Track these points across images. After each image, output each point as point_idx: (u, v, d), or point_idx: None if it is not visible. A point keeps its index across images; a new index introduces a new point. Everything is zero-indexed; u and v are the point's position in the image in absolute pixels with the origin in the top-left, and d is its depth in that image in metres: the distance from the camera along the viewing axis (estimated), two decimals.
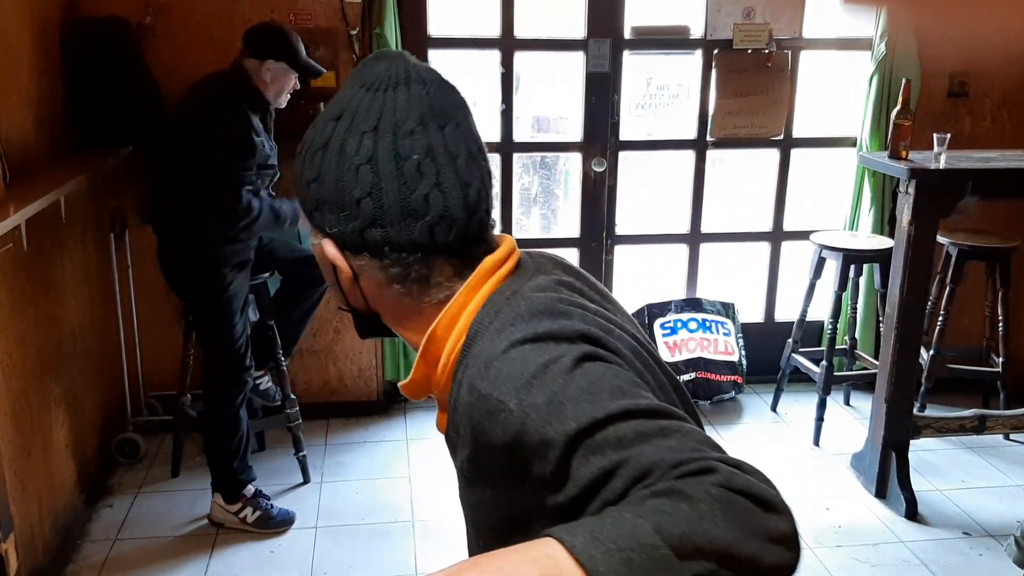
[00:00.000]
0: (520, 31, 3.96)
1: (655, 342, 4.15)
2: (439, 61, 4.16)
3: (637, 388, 0.89)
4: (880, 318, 3.94)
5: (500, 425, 0.89)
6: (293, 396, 3.56)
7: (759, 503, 0.76)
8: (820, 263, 3.96)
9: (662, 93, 5.29)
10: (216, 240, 3.05)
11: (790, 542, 0.77)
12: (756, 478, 0.80)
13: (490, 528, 1.04)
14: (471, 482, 1.03)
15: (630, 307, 3.73)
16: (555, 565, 0.72)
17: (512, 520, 0.98)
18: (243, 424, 3.28)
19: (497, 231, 1.08)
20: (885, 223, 4.13)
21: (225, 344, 3.16)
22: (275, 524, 3.26)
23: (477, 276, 1.01)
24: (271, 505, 3.30)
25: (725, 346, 4.27)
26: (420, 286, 1.01)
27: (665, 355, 4.15)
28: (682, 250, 4.41)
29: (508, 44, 3.96)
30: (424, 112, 0.98)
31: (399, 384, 1.10)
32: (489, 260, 1.02)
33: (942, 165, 3.27)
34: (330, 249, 1.02)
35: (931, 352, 3.96)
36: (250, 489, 3.28)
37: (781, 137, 4.24)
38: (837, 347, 4.06)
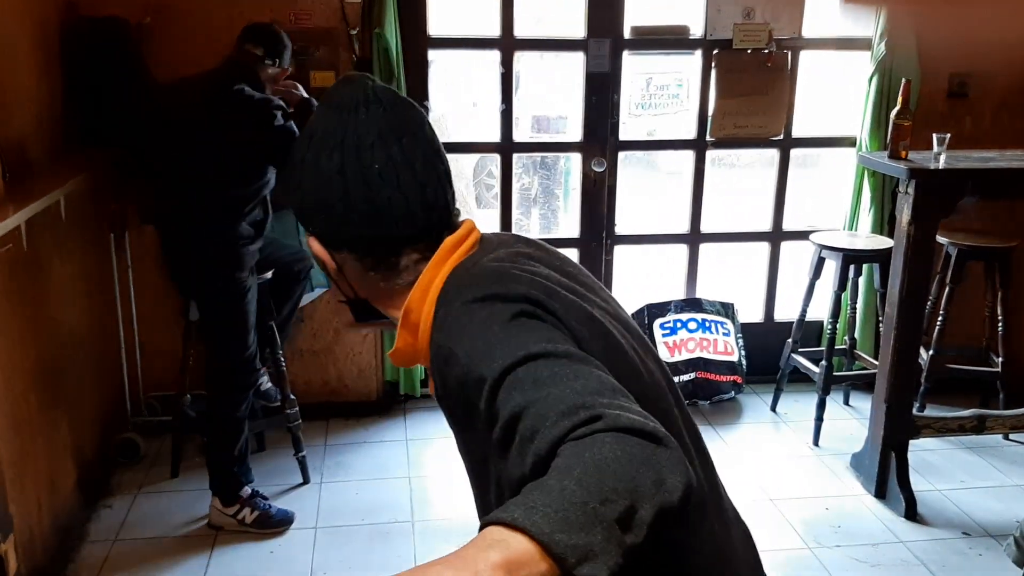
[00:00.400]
0: (520, 31, 3.97)
1: (655, 342, 4.15)
2: (439, 61, 4.17)
3: (561, 339, 1.02)
4: (880, 318, 3.94)
5: (452, 370, 1.04)
6: (293, 396, 3.57)
7: (645, 437, 0.87)
8: (820, 263, 3.96)
9: (662, 93, 5.30)
10: (237, 241, 3.06)
11: (678, 464, 0.87)
12: (637, 415, 0.90)
13: (472, 475, 1.20)
14: (455, 433, 1.18)
15: (630, 307, 3.74)
16: (506, 544, 0.78)
17: (479, 464, 1.14)
18: (246, 427, 3.29)
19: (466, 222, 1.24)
20: (885, 223, 4.13)
21: (238, 347, 3.16)
22: (274, 524, 3.26)
23: (440, 254, 1.17)
24: (269, 505, 3.30)
25: (725, 346, 4.27)
26: (392, 272, 1.19)
27: (665, 355, 4.15)
28: (682, 250, 4.42)
29: (508, 44, 3.96)
30: (382, 128, 1.15)
31: (388, 354, 1.28)
32: (449, 240, 1.18)
33: (942, 165, 3.27)
34: (316, 246, 1.21)
35: (931, 352, 3.96)
36: (247, 490, 3.27)
37: (781, 137, 4.24)
38: (837, 347, 4.07)
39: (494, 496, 1.13)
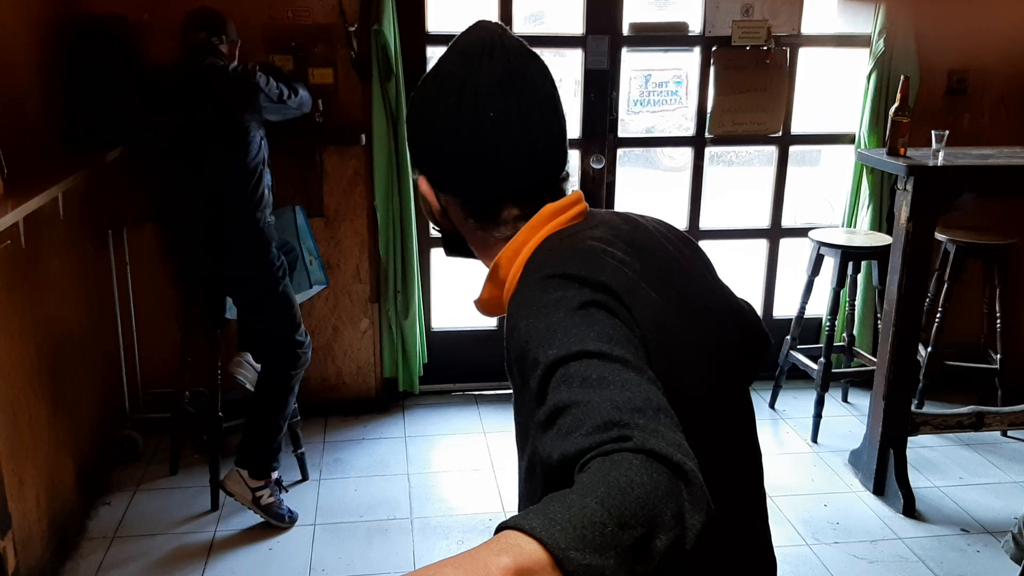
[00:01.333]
0: (518, 28, 3.96)
1: None
2: (437, 57, 4.16)
3: (623, 340, 1.00)
4: (878, 315, 3.94)
5: (514, 339, 1.06)
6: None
7: (671, 468, 0.86)
8: (818, 260, 3.96)
9: (661, 90, 5.30)
10: (260, 221, 3.17)
11: (700, 503, 0.86)
12: (670, 442, 0.88)
13: (517, 433, 1.19)
14: (513, 395, 1.18)
15: None
16: (520, 550, 0.78)
17: (523, 428, 1.15)
18: (293, 402, 3.36)
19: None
20: (883, 220, 4.13)
21: (289, 323, 3.25)
22: (281, 516, 3.28)
23: (539, 218, 1.17)
24: (283, 499, 3.33)
25: None
26: (491, 223, 1.19)
27: None
28: None
29: None
30: (503, 78, 1.14)
31: (473, 302, 1.26)
32: (550, 206, 1.17)
33: (940, 162, 3.27)
34: (423, 186, 1.22)
35: (929, 349, 3.96)
36: (276, 474, 3.31)
37: (779, 134, 4.24)
38: (835, 344, 4.07)
39: (525, 462, 1.15)
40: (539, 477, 1.10)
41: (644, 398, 0.92)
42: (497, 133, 1.13)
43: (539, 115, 1.16)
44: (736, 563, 1.21)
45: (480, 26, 1.20)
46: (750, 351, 1.25)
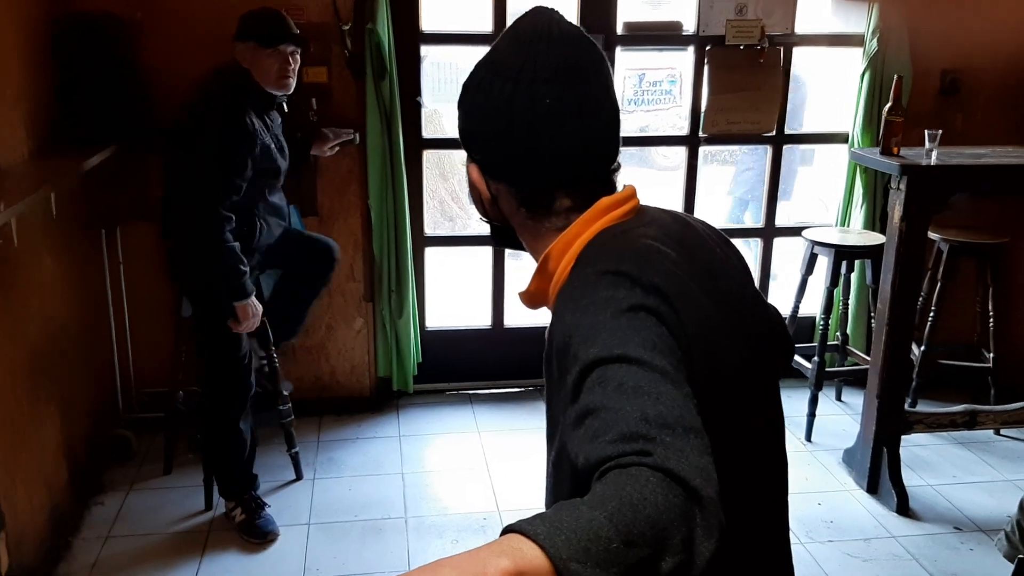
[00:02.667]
0: None
1: None
2: (432, 56, 4.16)
3: (666, 350, 0.98)
4: (871, 314, 3.95)
5: (557, 332, 1.05)
6: (286, 393, 3.56)
7: (688, 492, 0.84)
8: (812, 259, 3.97)
9: (655, 89, 5.30)
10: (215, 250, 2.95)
11: (712, 530, 0.84)
12: (692, 465, 0.86)
13: (548, 422, 1.19)
14: (545, 380, 1.17)
15: None
16: (521, 554, 0.78)
17: (553, 420, 1.15)
18: (245, 437, 3.24)
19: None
20: (877, 219, 4.14)
21: (231, 346, 3.09)
22: (252, 534, 3.19)
23: (593, 211, 1.15)
24: (261, 514, 3.24)
25: None
26: (543, 213, 1.17)
27: None
28: None
29: None
30: (559, 66, 1.12)
31: (519, 293, 1.24)
32: (605, 200, 1.16)
33: (933, 161, 3.28)
34: (474, 173, 1.21)
35: (922, 348, 3.97)
36: (248, 494, 3.27)
37: (773, 133, 4.24)
38: (829, 343, 4.08)
39: (553, 455, 1.16)
40: (566, 472, 1.10)
41: (676, 415, 0.90)
42: (552, 121, 1.12)
43: (595, 103, 1.14)
44: (760, 570, 1.21)
45: (537, 11, 1.18)
46: (779, 358, 1.25)
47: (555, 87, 1.11)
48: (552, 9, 1.18)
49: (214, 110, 2.91)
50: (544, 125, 1.12)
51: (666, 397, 0.92)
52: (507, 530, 0.81)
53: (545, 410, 1.20)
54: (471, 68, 1.20)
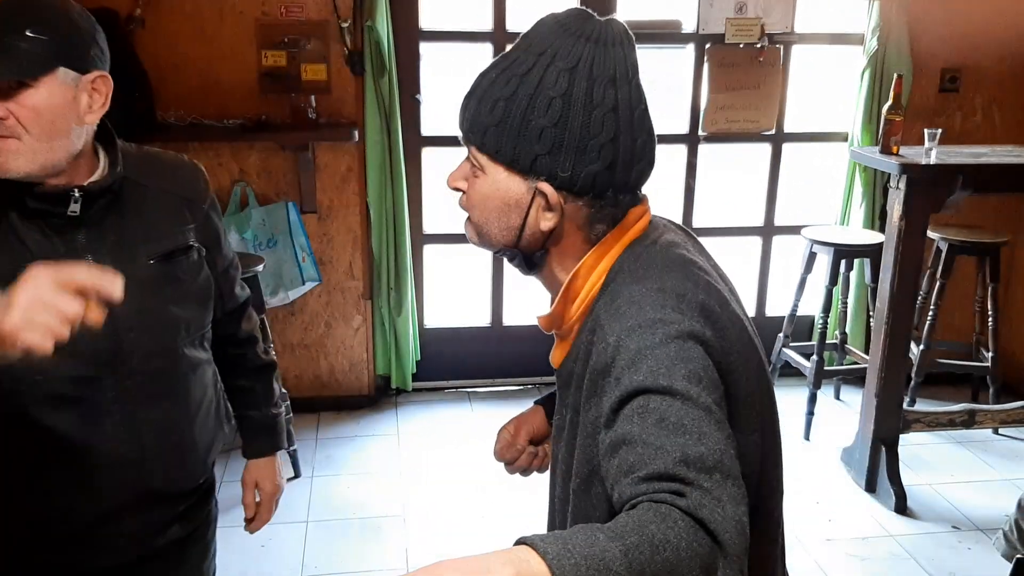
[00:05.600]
0: (512, 24, 3.95)
1: None
2: (431, 54, 4.16)
3: (711, 386, 0.96)
4: (870, 313, 3.95)
5: (598, 350, 1.02)
6: (284, 390, 3.55)
7: (716, 542, 0.82)
8: (811, 258, 3.97)
9: (653, 87, 5.29)
10: None
11: None
12: (725, 515, 0.84)
13: (554, 439, 1.17)
14: (567, 394, 1.13)
15: None
16: (528, 567, 0.77)
17: (559, 429, 1.12)
18: None
19: None
20: (876, 218, 4.13)
21: None
22: None
23: (623, 225, 1.12)
24: None
25: None
26: (613, 221, 1.12)
27: None
28: None
29: (500, 37, 3.95)
30: (636, 69, 1.10)
31: (537, 317, 1.19)
32: (635, 211, 1.13)
33: (933, 160, 3.27)
34: (550, 194, 1.08)
35: (921, 347, 3.97)
36: None
37: (773, 132, 4.24)
38: (828, 341, 4.07)
39: (579, 478, 1.09)
40: (600, 497, 1.05)
41: (717, 459, 0.88)
42: (647, 126, 1.10)
43: (642, 108, 1.11)
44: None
45: (585, 13, 1.11)
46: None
47: (644, 93, 1.10)
48: (593, 13, 1.12)
49: None
50: (640, 131, 1.09)
51: (708, 439, 0.89)
52: (520, 541, 0.81)
53: (565, 434, 1.15)
54: (529, 79, 1.08)
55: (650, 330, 0.98)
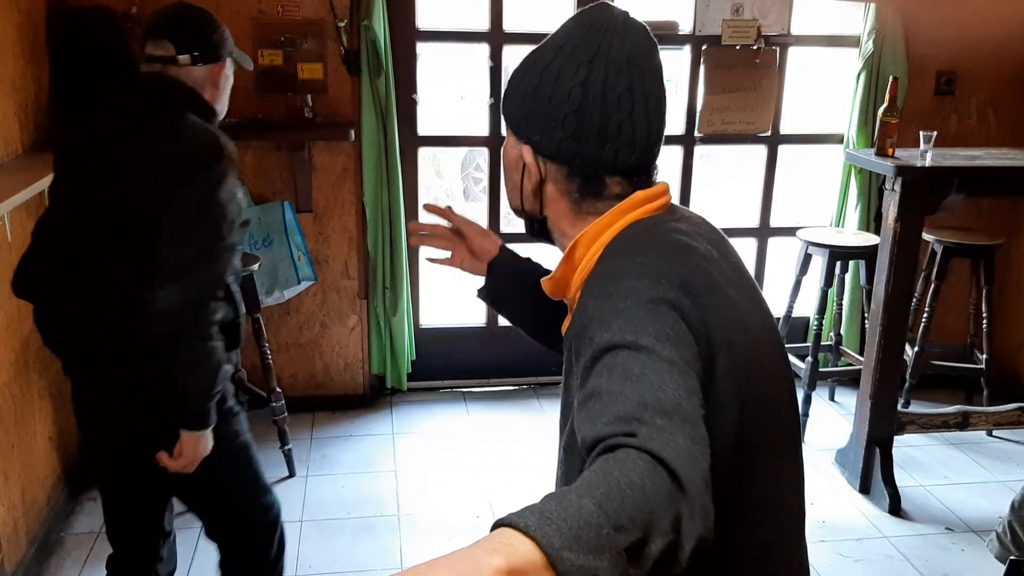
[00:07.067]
0: (509, 25, 3.96)
1: None
2: (427, 54, 4.15)
3: (679, 342, 1.00)
4: (865, 314, 3.96)
5: (579, 315, 1.08)
6: (279, 390, 3.55)
7: (671, 475, 0.85)
8: (806, 259, 3.97)
9: None
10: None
11: (700, 514, 0.85)
12: (678, 449, 0.88)
13: (562, 404, 1.19)
14: (564, 363, 1.18)
15: None
16: (513, 550, 0.77)
17: (567, 401, 1.15)
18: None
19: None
20: (871, 220, 4.15)
21: (259, 494, 2.29)
22: None
23: (628, 203, 1.18)
24: None
25: None
26: (593, 195, 1.19)
27: None
28: None
29: (497, 37, 3.95)
30: (632, 55, 1.17)
31: (542, 280, 1.25)
32: (640, 193, 1.18)
33: (928, 162, 3.28)
34: (528, 155, 1.20)
35: (916, 349, 3.98)
36: None
37: (769, 133, 4.25)
38: (822, 343, 4.08)
39: (565, 436, 1.16)
40: (578, 455, 1.09)
41: (674, 403, 0.92)
42: (622, 109, 1.15)
43: (657, 96, 1.18)
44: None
45: (601, 5, 1.22)
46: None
47: (627, 76, 1.16)
48: (613, 4, 1.22)
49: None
50: (615, 111, 1.15)
51: (668, 386, 0.93)
52: (498, 524, 0.81)
53: (561, 396, 1.21)
54: (530, 53, 1.23)
55: (624, 295, 1.04)
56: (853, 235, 4.04)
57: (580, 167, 1.18)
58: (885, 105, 3.38)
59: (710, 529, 0.86)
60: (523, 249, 1.59)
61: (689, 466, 0.87)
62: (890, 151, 3.34)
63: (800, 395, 3.96)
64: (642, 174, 1.20)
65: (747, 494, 1.10)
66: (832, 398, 4.38)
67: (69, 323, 2.02)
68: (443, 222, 1.55)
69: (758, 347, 1.12)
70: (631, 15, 1.20)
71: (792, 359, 4.02)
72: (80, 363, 2.09)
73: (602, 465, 0.86)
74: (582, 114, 1.15)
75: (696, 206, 4.31)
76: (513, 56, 4.17)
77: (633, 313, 1.01)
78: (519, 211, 1.29)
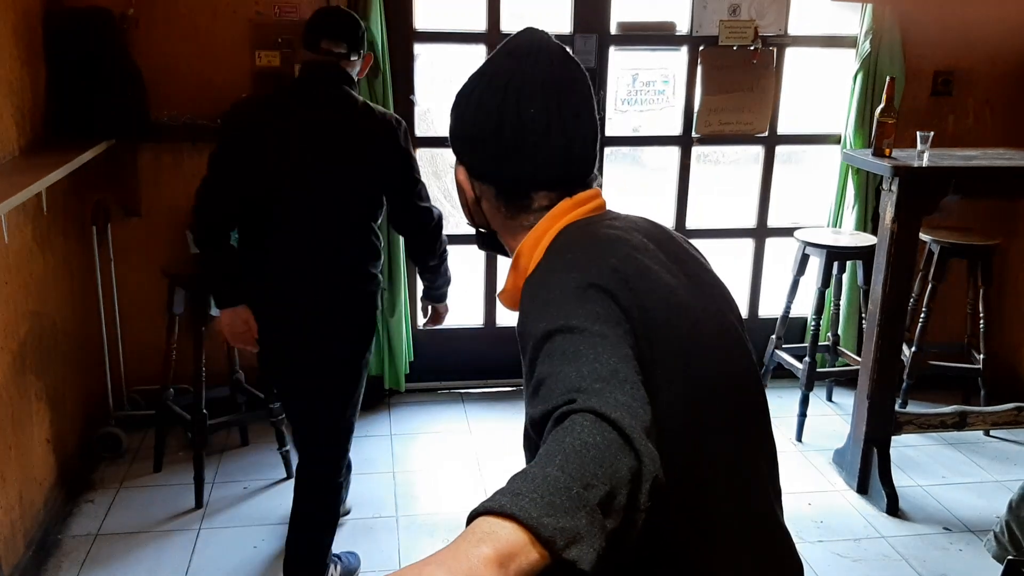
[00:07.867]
0: (506, 26, 3.96)
1: None
2: (425, 55, 4.15)
3: (610, 320, 1.05)
4: (863, 315, 3.96)
5: (520, 316, 1.14)
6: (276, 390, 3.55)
7: (614, 427, 0.90)
8: (804, 260, 3.98)
9: (648, 89, 5.30)
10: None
11: (643, 455, 0.90)
12: (618, 405, 0.93)
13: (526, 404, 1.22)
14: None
15: None
16: (496, 536, 0.79)
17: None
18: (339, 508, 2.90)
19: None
20: (868, 220, 4.15)
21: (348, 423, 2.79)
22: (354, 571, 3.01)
23: (559, 209, 1.24)
24: (348, 561, 3.01)
25: None
26: (521, 211, 1.26)
27: None
28: None
29: (494, 38, 3.95)
30: (546, 80, 1.23)
31: (498, 295, 1.32)
32: (568, 200, 1.25)
33: (925, 163, 3.29)
34: (461, 175, 1.30)
35: (913, 349, 3.98)
36: (333, 569, 2.90)
37: (766, 134, 4.25)
38: (820, 343, 4.09)
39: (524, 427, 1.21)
40: (534, 445, 1.12)
41: (611, 370, 0.98)
42: (537, 128, 1.21)
43: (574, 115, 1.24)
44: (761, 556, 1.25)
45: (528, 31, 1.28)
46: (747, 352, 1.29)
47: (540, 99, 1.22)
48: (542, 30, 1.28)
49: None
50: (528, 132, 1.21)
51: (603, 356, 0.99)
52: (473, 515, 0.82)
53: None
54: (465, 80, 1.30)
55: (555, 287, 1.09)
56: (850, 235, 4.04)
57: (505, 185, 1.26)
58: (882, 106, 3.38)
59: (660, 469, 0.91)
60: None
61: (629, 416, 0.92)
62: (887, 152, 3.35)
63: (797, 395, 3.96)
64: (573, 186, 1.26)
65: (702, 470, 1.14)
66: (830, 398, 4.38)
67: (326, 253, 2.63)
68: None
69: (697, 327, 1.16)
70: (551, 41, 1.26)
71: (789, 359, 4.04)
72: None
73: (554, 436, 0.90)
74: (499, 136, 1.22)
75: (695, 206, 4.33)
76: None
77: (563, 301, 1.07)
78: (472, 225, 1.36)
